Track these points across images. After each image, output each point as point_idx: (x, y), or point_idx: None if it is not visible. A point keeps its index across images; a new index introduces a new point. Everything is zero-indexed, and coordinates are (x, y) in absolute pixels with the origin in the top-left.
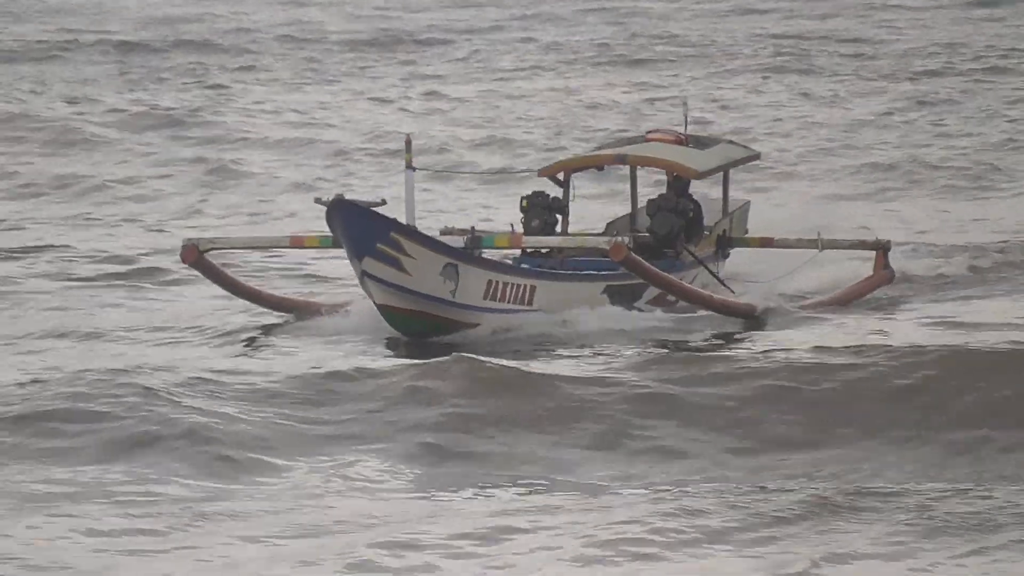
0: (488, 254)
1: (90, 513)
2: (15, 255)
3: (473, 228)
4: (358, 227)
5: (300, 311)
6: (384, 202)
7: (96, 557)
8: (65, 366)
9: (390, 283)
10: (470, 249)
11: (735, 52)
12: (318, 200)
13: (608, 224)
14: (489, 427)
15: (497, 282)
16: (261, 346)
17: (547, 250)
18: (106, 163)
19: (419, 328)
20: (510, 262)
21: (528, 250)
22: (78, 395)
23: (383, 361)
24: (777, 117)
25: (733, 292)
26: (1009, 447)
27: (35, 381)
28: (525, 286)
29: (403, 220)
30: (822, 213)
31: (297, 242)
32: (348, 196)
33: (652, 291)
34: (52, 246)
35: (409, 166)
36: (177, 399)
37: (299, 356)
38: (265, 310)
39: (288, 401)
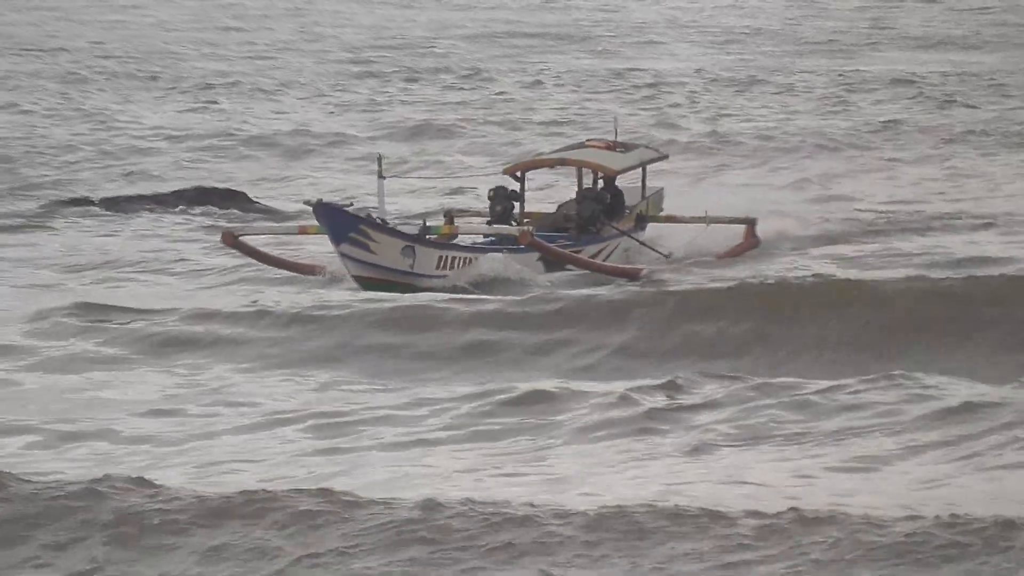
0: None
1: None
2: None
3: (424, 220)
4: (334, 222)
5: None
6: (352, 203)
7: None
8: None
9: (362, 261)
10: (423, 235)
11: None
12: (306, 202)
13: (559, 205)
14: None
15: (446, 256)
16: None
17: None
18: None
19: (385, 289)
20: (469, 243)
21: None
22: None
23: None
24: None
25: (660, 252)
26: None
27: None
28: (470, 258)
29: (376, 215)
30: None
31: (303, 231)
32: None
33: None
34: None
35: (380, 176)
36: None
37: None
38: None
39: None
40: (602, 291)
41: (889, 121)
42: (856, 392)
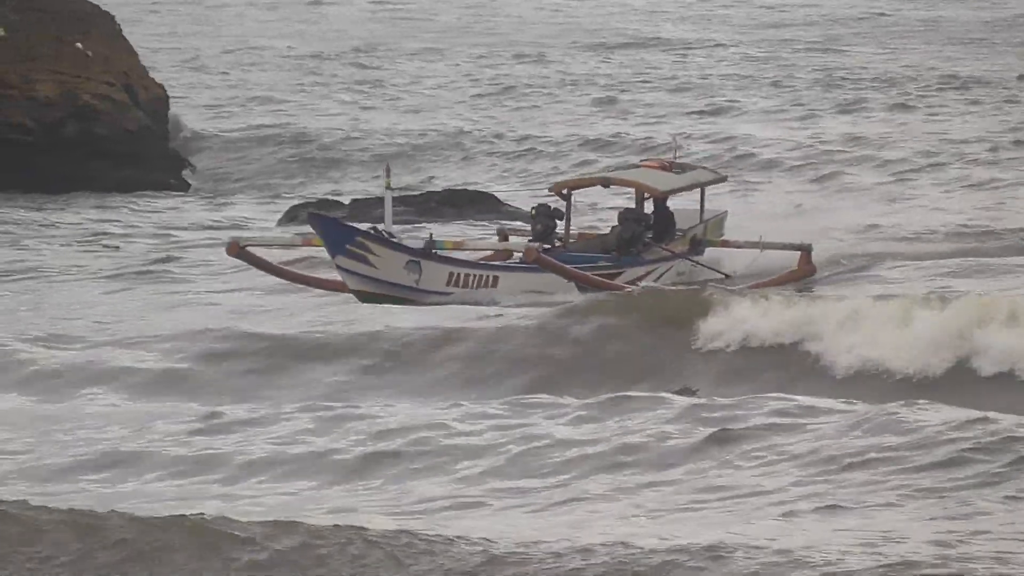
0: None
1: None
2: None
3: (431, 234)
4: (330, 233)
5: (328, 288)
6: (345, 215)
7: None
8: None
9: (361, 275)
10: (428, 249)
11: None
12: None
13: (612, 227)
14: None
15: (459, 273)
16: None
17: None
18: None
19: (385, 302)
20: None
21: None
22: None
23: None
24: None
25: (721, 273)
26: None
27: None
28: (488, 276)
29: (382, 229)
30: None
31: (307, 242)
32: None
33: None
34: None
35: (388, 188)
36: None
37: None
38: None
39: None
40: None
41: None
42: None
